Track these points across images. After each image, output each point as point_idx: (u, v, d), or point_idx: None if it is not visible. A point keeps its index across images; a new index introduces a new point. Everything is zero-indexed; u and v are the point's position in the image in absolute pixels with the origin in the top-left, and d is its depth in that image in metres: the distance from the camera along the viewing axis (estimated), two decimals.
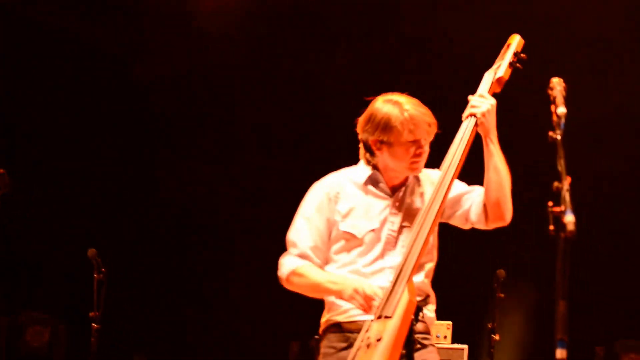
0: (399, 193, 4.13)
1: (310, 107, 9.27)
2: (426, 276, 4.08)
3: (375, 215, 4.08)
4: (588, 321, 8.64)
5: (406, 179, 4.15)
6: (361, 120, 4.13)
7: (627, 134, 9.21)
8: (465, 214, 4.13)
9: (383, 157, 4.09)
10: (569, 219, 2.86)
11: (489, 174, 4.01)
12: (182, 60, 9.22)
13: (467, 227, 4.18)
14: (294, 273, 4.05)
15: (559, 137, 3.04)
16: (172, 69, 9.19)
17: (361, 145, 4.18)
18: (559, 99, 3.16)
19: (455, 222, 4.17)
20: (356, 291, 3.78)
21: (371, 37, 9.10)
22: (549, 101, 3.19)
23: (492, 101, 3.99)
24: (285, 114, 9.26)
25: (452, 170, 3.89)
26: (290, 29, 9.18)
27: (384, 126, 4.02)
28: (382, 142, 4.05)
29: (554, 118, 3.10)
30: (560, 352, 2.85)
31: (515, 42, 4.14)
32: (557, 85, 3.22)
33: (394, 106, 4.03)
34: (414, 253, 3.74)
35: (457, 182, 4.11)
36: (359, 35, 9.16)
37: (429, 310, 4.07)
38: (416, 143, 4.02)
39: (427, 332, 4.04)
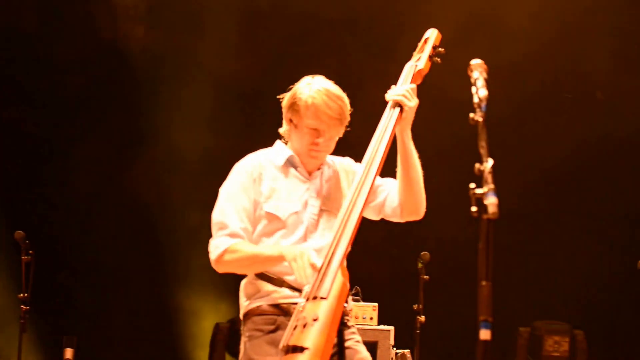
0: (316, 177, 4.16)
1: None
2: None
3: (297, 198, 4.10)
4: (512, 302, 8.76)
5: (321, 163, 4.18)
6: (287, 95, 4.18)
7: (549, 116, 9.32)
8: (379, 207, 4.18)
9: (291, 136, 4.16)
10: (491, 200, 2.87)
11: (407, 170, 4.06)
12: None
13: (377, 218, 4.23)
14: (227, 251, 3.99)
15: (480, 120, 3.05)
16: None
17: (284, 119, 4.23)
18: (480, 82, 3.17)
19: (367, 213, 4.18)
20: (301, 255, 3.76)
21: (293, 19, 9.05)
22: (471, 83, 3.20)
23: (417, 101, 4.03)
24: None
25: (377, 160, 3.90)
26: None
27: (291, 105, 4.11)
28: (290, 120, 4.14)
29: (475, 100, 3.10)
30: (484, 333, 2.86)
31: (434, 36, 4.20)
32: (478, 67, 3.23)
33: (306, 87, 4.10)
34: (344, 238, 3.74)
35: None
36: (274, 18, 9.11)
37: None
38: (316, 132, 4.07)
39: (348, 313, 4.08)
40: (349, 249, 3.79)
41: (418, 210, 4.13)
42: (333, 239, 3.75)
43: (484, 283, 2.87)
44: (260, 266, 4.00)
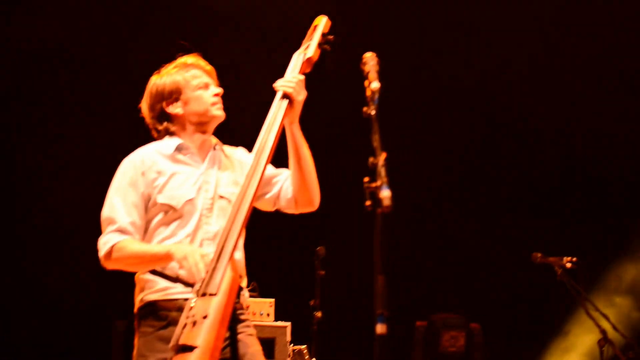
0: (208, 162, 4.14)
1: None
2: (241, 255, 4.10)
3: (190, 184, 4.07)
4: (409, 296, 8.83)
5: (211, 148, 4.18)
6: (145, 101, 4.20)
7: (444, 110, 9.41)
8: (274, 198, 4.19)
9: (184, 116, 4.15)
10: (385, 194, 2.88)
11: (298, 162, 4.07)
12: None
13: (272, 209, 4.24)
14: (115, 248, 3.95)
15: (373, 112, 3.06)
16: None
17: (153, 125, 4.21)
18: (372, 74, 3.18)
19: (263, 204, 4.21)
20: (191, 253, 3.73)
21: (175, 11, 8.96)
22: (363, 76, 3.21)
23: (306, 92, 4.04)
24: None
25: (267, 150, 3.89)
26: None
27: (171, 86, 4.14)
28: (176, 100, 4.14)
29: (368, 93, 3.11)
30: (380, 327, 2.87)
31: (323, 23, 4.18)
32: (370, 60, 3.24)
33: (171, 70, 4.18)
34: (234, 231, 3.72)
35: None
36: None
37: (245, 287, 4.09)
38: (207, 86, 4.15)
39: (242, 307, 4.07)
40: (239, 241, 3.78)
41: (312, 201, 4.15)
42: (223, 233, 3.73)
43: (379, 277, 2.88)
44: (148, 265, 3.96)
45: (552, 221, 9.29)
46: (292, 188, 4.14)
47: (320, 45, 4.12)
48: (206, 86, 4.15)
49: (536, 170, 9.43)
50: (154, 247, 3.96)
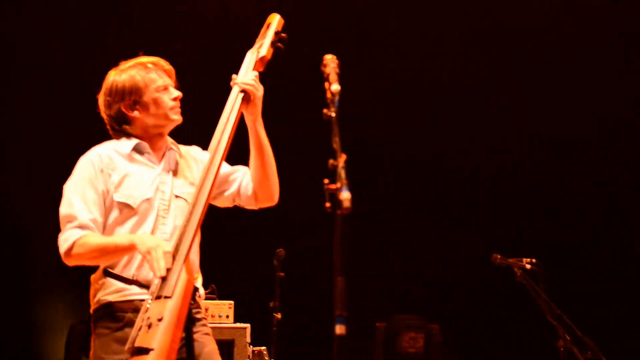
0: (165, 162, 4.14)
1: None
2: (196, 254, 4.10)
3: (148, 184, 4.07)
4: (368, 297, 8.85)
5: (167, 148, 4.17)
6: (102, 97, 4.16)
7: (401, 113, 9.45)
8: (233, 195, 4.20)
9: (142, 119, 4.13)
10: (345, 195, 2.90)
11: (260, 158, 4.09)
12: None
13: (230, 206, 4.25)
14: (77, 244, 3.92)
15: (333, 115, 3.07)
16: None
17: (109, 123, 4.18)
18: (333, 76, 3.19)
19: (222, 202, 4.23)
20: (155, 247, 3.71)
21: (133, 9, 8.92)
22: (323, 78, 3.21)
23: (262, 88, 4.06)
24: None
25: (222, 148, 3.91)
26: None
27: (131, 87, 4.10)
28: (135, 102, 4.11)
29: (328, 95, 3.12)
30: (339, 328, 2.88)
31: (276, 21, 4.18)
32: (331, 62, 3.25)
33: (131, 68, 4.13)
34: (189, 232, 3.72)
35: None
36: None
37: (200, 286, 4.09)
38: (166, 89, 4.12)
39: (199, 305, 4.07)
40: (195, 242, 3.79)
41: (272, 197, 4.18)
42: (178, 234, 3.74)
43: (339, 278, 2.89)
44: (111, 256, 3.94)
45: (511, 222, 9.35)
46: (252, 184, 4.15)
47: (273, 44, 4.12)
48: (166, 89, 4.13)
49: (496, 171, 9.48)
50: (116, 238, 3.94)
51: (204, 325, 4.08)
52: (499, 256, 6.71)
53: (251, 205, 4.21)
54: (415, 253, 9.40)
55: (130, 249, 3.83)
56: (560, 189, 9.42)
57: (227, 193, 4.18)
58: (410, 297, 9.34)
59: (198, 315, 4.03)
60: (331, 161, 2.98)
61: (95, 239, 3.93)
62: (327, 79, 3.19)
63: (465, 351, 9.21)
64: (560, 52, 9.32)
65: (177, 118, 4.16)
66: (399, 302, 9.26)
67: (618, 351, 7.29)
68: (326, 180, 2.96)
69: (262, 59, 4.09)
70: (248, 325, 6.90)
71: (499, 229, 9.20)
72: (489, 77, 9.37)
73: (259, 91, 4.02)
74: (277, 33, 4.14)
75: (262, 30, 4.18)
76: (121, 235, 3.96)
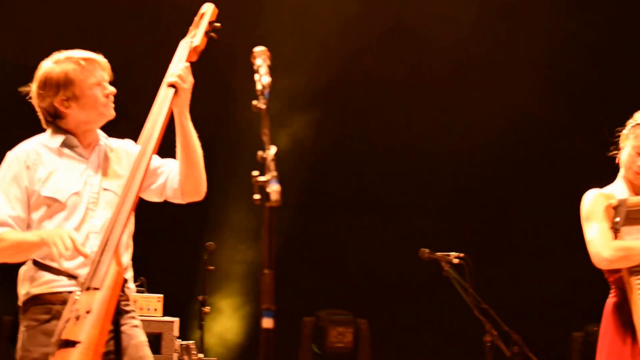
0: (94, 156, 4.10)
1: None
2: (127, 246, 4.06)
3: (76, 178, 4.02)
4: (297, 292, 8.87)
5: (97, 143, 4.13)
6: (35, 89, 4.08)
7: (334, 107, 9.48)
8: (161, 188, 4.16)
9: (74, 114, 4.06)
10: (274, 188, 2.88)
11: (186, 151, 4.04)
12: None
13: (160, 200, 4.21)
14: None
15: (263, 107, 3.06)
16: None
17: (41, 114, 4.11)
18: (263, 69, 3.17)
19: (149, 195, 4.19)
20: (59, 236, 3.69)
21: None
22: (253, 70, 3.20)
23: (192, 80, 4.02)
24: None
25: (153, 141, 3.88)
26: None
27: (65, 82, 4.02)
28: (68, 99, 4.03)
29: (258, 87, 3.11)
30: (266, 322, 2.87)
31: (210, 10, 4.14)
32: (261, 54, 3.23)
33: (66, 61, 4.05)
34: (119, 224, 3.70)
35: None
36: None
37: (129, 279, 4.06)
38: (100, 85, 4.06)
39: (128, 298, 4.04)
40: (125, 234, 3.77)
41: (199, 191, 4.13)
42: (108, 226, 3.72)
43: (266, 271, 2.88)
44: (25, 254, 3.91)
45: (439, 217, 9.44)
46: (178, 177, 4.11)
47: (207, 33, 4.09)
48: (99, 84, 4.07)
49: (423, 167, 9.56)
50: (28, 234, 3.89)
51: (133, 317, 4.04)
52: (426, 250, 6.74)
53: (177, 199, 4.16)
54: (344, 248, 9.44)
55: (40, 244, 3.80)
56: (488, 184, 9.53)
57: (153, 186, 4.14)
58: (339, 292, 9.38)
59: (127, 308, 3.99)
60: (260, 153, 2.96)
61: (12, 235, 3.89)
62: (257, 71, 3.18)
63: (394, 346, 9.27)
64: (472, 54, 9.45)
65: (109, 114, 4.11)
66: (327, 298, 9.29)
67: (543, 345, 7.39)
68: (255, 173, 2.95)
69: (195, 48, 4.06)
70: (176, 319, 6.87)
71: (427, 224, 9.27)
72: (416, 77, 9.45)
73: (184, 83, 3.97)
74: (210, 23, 4.11)
75: (196, 19, 4.15)
76: (32, 232, 3.91)
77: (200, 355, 6.88)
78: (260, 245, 2.90)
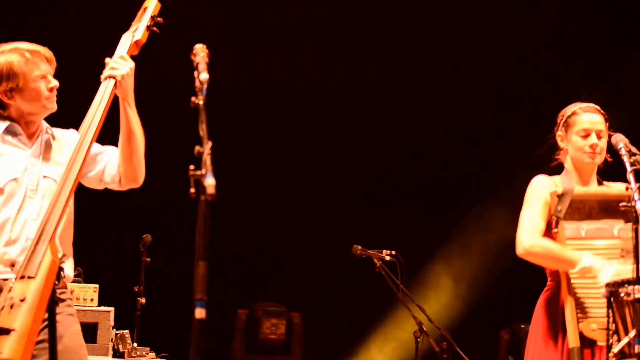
0: (37, 144, 4.10)
1: None
2: (67, 234, 4.07)
3: (15, 164, 4.03)
4: (231, 284, 8.88)
5: (41, 132, 4.13)
6: None
7: (271, 104, 9.50)
8: (99, 175, 4.18)
9: (17, 105, 4.07)
10: (210, 182, 2.92)
11: (127, 138, 4.05)
12: None
13: (100, 187, 4.24)
14: None
15: (201, 103, 3.10)
16: None
17: None
18: (202, 65, 3.22)
19: (89, 182, 4.21)
20: None
21: None
22: (193, 67, 3.24)
23: (131, 64, 4.04)
24: None
25: (92, 130, 3.89)
26: None
27: (8, 73, 4.03)
28: (12, 90, 4.05)
29: (197, 84, 3.15)
30: (199, 312, 2.89)
31: (153, 5, 4.15)
32: (201, 51, 3.28)
33: (12, 52, 4.05)
34: (56, 212, 3.71)
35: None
36: None
37: (68, 267, 4.07)
38: (44, 78, 4.07)
39: (64, 286, 4.05)
40: (61, 222, 3.77)
41: (137, 178, 4.14)
42: (45, 215, 3.73)
43: (200, 262, 2.90)
44: None
45: (372, 214, 9.50)
46: (117, 164, 4.13)
47: (149, 27, 4.10)
48: (43, 77, 4.07)
49: (359, 163, 9.61)
50: None
51: (69, 306, 4.05)
52: (359, 247, 6.79)
53: (115, 185, 4.17)
54: (279, 242, 9.46)
55: None
56: (422, 182, 9.61)
57: (91, 173, 4.16)
58: (273, 285, 9.40)
59: (63, 296, 4.00)
60: (197, 148, 2.99)
61: None
62: (196, 68, 3.22)
63: (326, 340, 9.31)
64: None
65: (51, 107, 4.12)
66: (261, 291, 9.31)
67: (472, 342, 7.47)
68: (192, 167, 2.98)
69: (136, 42, 4.07)
70: (112, 309, 6.86)
71: (360, 221, 9.33)
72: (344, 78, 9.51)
73: (118, 71, 3.98)
74: (153, 17, 4.11)
75: (139, 13, 4.16)
76: None
77: (135, 345, 6.88)
78: (195, 237, 2.93)
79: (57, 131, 4.22)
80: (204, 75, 3.17)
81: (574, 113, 4.79)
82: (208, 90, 3.14)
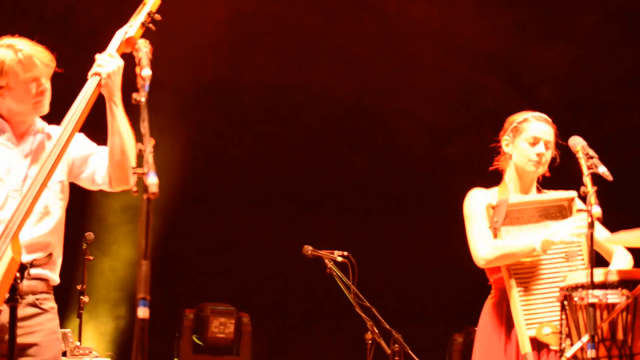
0: (26, 143, 4.11)
1: None
2: (54, 237, 4.08)
3: (1, 162, 4.04)
4: (178, 284, 8.89)
5: (33, 132, 4.13)
6: None
7: (218, 101, 9.52)
8: (91, 176, 4.15)
9: (6, 103, 4.07)
10: (151, 180, 2.94)
11: (113, 138, 4.01)
12: None
13: (94, 188, 4.21)
14: None
15: (143, 99, 3.11)
16: None
17: None
18: (144, 61, 3.23)
19: (83, 183, 4.19)
20: None
21: None
22: (135, 63, 3.26)
23: (120, 62, 4.00)
24: None
25: (71, 127, 3.88)
26: None
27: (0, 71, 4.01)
28: (1, 87, 4.04)
29: (139, 80, 3.16)
30: (142, 311, 2.91)
31: (151, 2, 4.13)
32: (143, 46, 3.29)
33: (7, 49, 4.03)
34: (21, 211, 3.73)
35: (87, 142, 4.19)
36: None
37: (52, 271, 4.08)
38: (36, 81, 4.04)
39: (47, 292, 4.06)
40: (27, 220, 3.78)
41: (127, 179, 4.08)
42: (13, 214, 3.74)
43: (142, 261, 2.92)
44: None
45: (324, 215, 9.55)
46: (107, 165, 4.10)
47: (144, 24, 4.08)
48: (35, 80, 4.04)
49: (309, 165, 9.65)
50: None
51: (51, 320, 4.07)
52: (310, 247, 6.81)
53: (107, 187, 4.15)
54: (229, 242, 9.48)
55: None
56: (373, 185, 9.68)
57: (83, 175, 4.16)
58: (222, 286, 9.41)
59: (45, 305, 4.04)
60: (139, 145, 3.00)
61: None
62: (138, 64, 3.23)
63: (275, 340, 9.34)
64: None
65: (41, 110, 4.11)
66: (210, 291, 9.31)
67: (424, 345, 7.54)
68: (133, 166, 3.00)
69: (129, 39, 4.03)
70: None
71: (311, 221, 9.37)
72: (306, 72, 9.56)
73: (103, 69, 3.96)
74: (149, 14, 4.09)
75: (138, 8, 4.14)
76: None
77: (78, 344, 6.88)
78: (138, 236, 2.95)
79: (55, 129, 4.19)
80: (146, 72, 3.17)
81: (525, 120, 4.84)
82: (153, 87, 3.16)
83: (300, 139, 9.60)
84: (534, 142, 4.79)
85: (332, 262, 6.75)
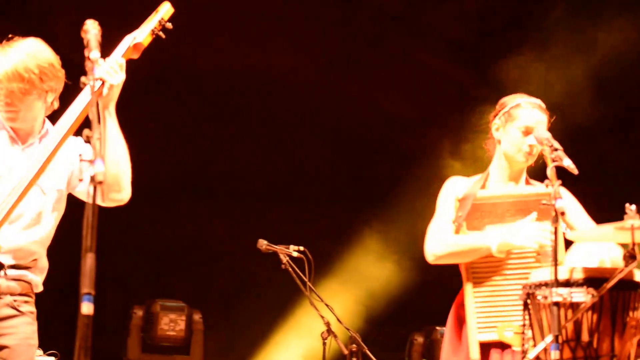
0: (31, 146, 4.08)
1: None
2: (40, 244, 4.10)
3: (2, 163, 4.01)
4: (126, 280, 8.83)
5: (37, 133, 4.10)
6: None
7: (175, 91, 9.48)
8: (86, 188, 4.05)
9: None
10: (98, 168, 2.89)
11: (106, 149, 3.91)
12: None
13: (91, 201, 4.14)
14: None
15: (91, 83, 3.07)
16: None
17: None
18: (93, 43, 3.17)
19: (80, 196, 4.13)
20: None
21: None
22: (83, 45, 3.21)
23: (123, 76, 3.92)
24: None
25: (61, 134, 3.84)
26: None
27: None
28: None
29: (87, 63, 3.11)
30: (86, 307, 2.85)
31: (164, 9, 4.09)
32: (92, 28, 3.24)
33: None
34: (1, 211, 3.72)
35: (85, 150, 4.08)
36: None
37: (35, 274, 4.08)
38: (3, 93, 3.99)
39: (29, 294, 4.05)
40: (4, 223, 3.78)
41: (119, 191, 4.02)
42: None
43: (88, 254, 2.85)
44: None
45: (279, 209, 9.52)
46: None
47: (153, 31, 4.03)
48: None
49: (266, 159, 9.63)
50: None
51: (29, 324, 4.08)
52: (264, 242, 6.77)
53: (100, 201, 4.11)
54: (181, 236, 9.44)
55: None
56: (332, 178, 9.68)
57: (78, 189, 4.13)
58: (173, 282, 9.37)
59: (23, 308, 4.04)
60: (86, 132, 2.94)
61: None
62: (87, 46, 3.18)
63: (230, 338, 9.32)
64: None
65: (11, 124, 4.06)
66: (161, 287, 9.27)
67: (383, 344, 7.55)
68: (80, 154, 2.96)
69: (136, 45, 3.99)
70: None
71: (267, 215, 9.35)
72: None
73: (112, 79, 3.88)
74: (161, 22, 4.04)
75: (151, 15, 4.10)
76: None
77: None
78: (82, 228, 2.89)
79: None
80: (94, 54, 3.13)
81: (518, 105, 4.67)
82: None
83: (254, 130, 9.57)
84: (526, 132, 4.60)
85: (287, 257, 6.72)
